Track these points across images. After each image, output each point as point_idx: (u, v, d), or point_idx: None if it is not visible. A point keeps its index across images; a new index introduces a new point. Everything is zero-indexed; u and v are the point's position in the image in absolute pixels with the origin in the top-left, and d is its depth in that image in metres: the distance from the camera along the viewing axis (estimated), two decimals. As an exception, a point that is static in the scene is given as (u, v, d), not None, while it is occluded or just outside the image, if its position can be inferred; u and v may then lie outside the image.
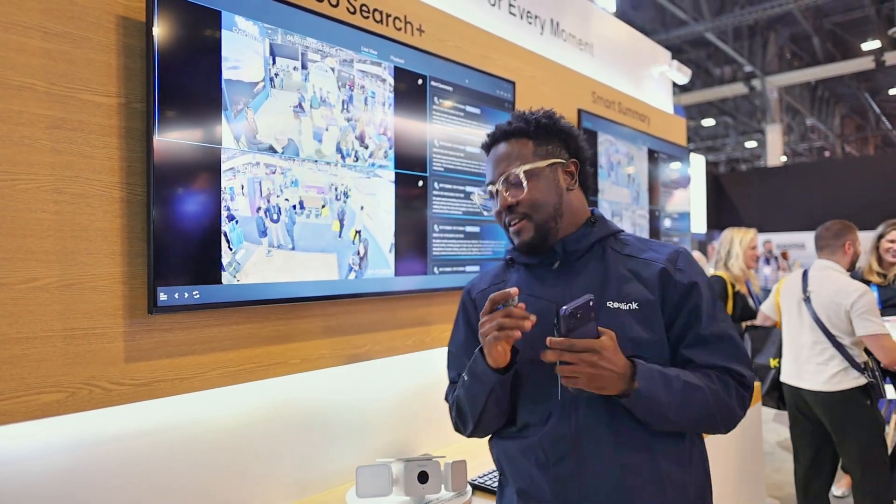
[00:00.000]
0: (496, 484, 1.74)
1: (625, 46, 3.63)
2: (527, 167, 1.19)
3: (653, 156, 3.36)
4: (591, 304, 1.01)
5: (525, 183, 1.18)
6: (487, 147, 1.28)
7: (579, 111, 2.72)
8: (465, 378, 1.22)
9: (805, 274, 2.92)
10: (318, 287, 1.65)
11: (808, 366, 2.81)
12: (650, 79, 3.87)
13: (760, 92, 15.01)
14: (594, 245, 1.22)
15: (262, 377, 1.61)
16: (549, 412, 1.16)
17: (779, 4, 11.12)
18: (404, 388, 2.06)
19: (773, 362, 3.07)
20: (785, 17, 12.87)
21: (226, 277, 1.46)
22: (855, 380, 2.71)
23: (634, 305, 1.14)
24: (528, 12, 2.77)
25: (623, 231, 1.28)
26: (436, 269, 1.98)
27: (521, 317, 1.08)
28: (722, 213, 14.39)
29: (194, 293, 1.41)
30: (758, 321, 3.28)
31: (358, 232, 1.75)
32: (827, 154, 22.23)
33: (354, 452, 1.88)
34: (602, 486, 1.11)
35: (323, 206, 1.65)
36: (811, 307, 2.80)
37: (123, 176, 1.36)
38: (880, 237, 3.44)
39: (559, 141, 1.24)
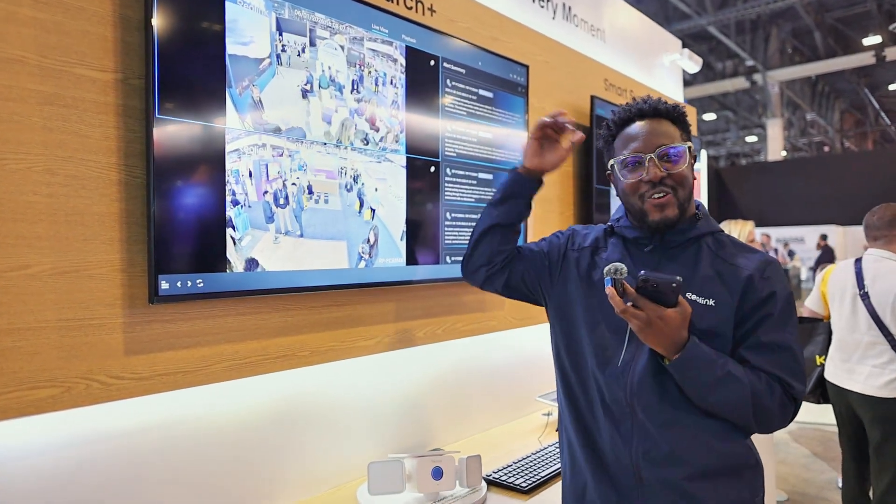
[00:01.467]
0: (512, 479, 1.68)
1: (636, 34, 3.55)
2: (689, 144, 1.27)
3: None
4: (674, 285, 1.09)
5: (685, 159, 1.25)
6: (628, 120, 1.30)
7: (592, 98, 2.64)
8: (495, 198, 1.40)
9: (858, 265, 2.67)
10: (328, 276, 1.57)
11: (862, 367, 2.59)
12: (661, 67, 3.79)
13: (761, 86, 14.96)
14: (692, 239, 1.28)
15: (269, 370, 1.53)
16: (610, 374, 1.26)
17: (781, -2, 11.05)
18: (417, 380, 1.98)
19: (818, 360, 2.85)
20: (787, 12, 12.81)
21: (231, 265, 1.38)
22: None
23: (711, 302, 1.22)
24: (540, -5, 2.69)
25: (722, 231, 1.33)
26: (448, 258, 1.90)
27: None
28: (722, 206, 14.35)
29: (198, 282, 1.33)
30: (804, 314, 3.04)
31: (373, 212, 1.67)
32: (826, 149, 22.19)
33: (366, 448, 1.80)
34: (655, 447, 1.22)
35: (331, 192, 1.57)
36: (870, 304, 2.55)
37: (121, 157, 1.28)
38: None
39: (688, 134, 1.32)
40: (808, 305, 3.03)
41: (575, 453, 1.35)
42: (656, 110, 1.28)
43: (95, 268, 1.24)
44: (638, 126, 1.27)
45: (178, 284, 1.30)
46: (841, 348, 2.70)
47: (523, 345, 2.38)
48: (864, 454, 2.75)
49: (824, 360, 2.84)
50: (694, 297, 1.23)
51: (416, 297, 1.89)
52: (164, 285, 1.27)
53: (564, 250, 1.41)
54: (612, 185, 1.36)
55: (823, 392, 2.87)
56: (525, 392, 2.39)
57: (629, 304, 1.12)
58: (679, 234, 1.27)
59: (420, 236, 1.81)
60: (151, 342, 1.32)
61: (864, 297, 2.57)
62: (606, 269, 1.11)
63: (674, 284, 1.09)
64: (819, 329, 2.90)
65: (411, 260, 1.78)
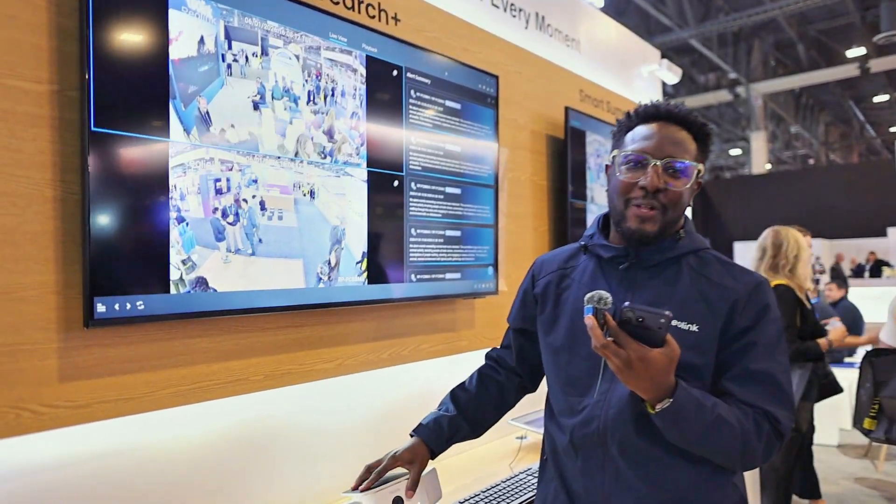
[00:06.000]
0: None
1: (613, 44, 3.52)
2: (699, 166, 1.17)
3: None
4: (662, 321, 0.97)
5: (690, 180, 1.15)
6: (652, 117, 1.19)
7: (566, 109, 2.60)
8: None
9: None
10: (283, 296, 1.50)
11: None
12: (639, 78, 3.76)
13: (745, 99, 15.06)
14: (671, 258, 1.18)
15: (219, 396, 1.46)
16: (584, 406, 1.18)
17: (763, 11, 11.13)
18: (380, 405, 1.91)
19: None
20: (769, 24, 12.91)
21: (176, 286, 1.31)
22: None
23: (694, 328, 1.12)
24: (512, 5, 2.64)
25: (709, 248, 1.22)
26: (413, 277, 1.83)
27: None
28: (707, 221, 14.38)
29: (138, 304, 1.25)
30: (881, 346, 2.77)
31: (333, 229, 1.60)
32: (811, 162, 22.38)
33: (325, 477, 1.72)
34: (627, 486, 1.13)
35: (286, 208, 1.51)
36: None
37: (57, 173, 1.21)
38: None
39: (704, 156, 1.22)
40: (883, 339, 2.78)
41: (551, 484, 1.28)
42: (685, 120, 1.17)
43: (27, 290, 1.17)
44: (657, 126, 1.16)
45: (116, 307, 1.22)
46: None
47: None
48: None
49: None
50: (675, 322, 1.10)
51: (379, 318, 1.82)
52: (100, 308, 1.20)
53: (532, 289, 1.34)
54: (607, 181, 1.27)
55: None
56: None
57: (610, 338, 0.99)
58: (657, 252, 1.17)
59: (383, 254, 1.74)
60: (90, 368, 1.25)
61: None
62: (588, 296, 0.99)
63: (662, 320, 0.96)
64: None
65: (374, 279, 1.72)
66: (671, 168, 1.13)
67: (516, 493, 1.71)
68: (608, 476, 1.14)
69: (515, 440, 2.26)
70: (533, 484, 1.76)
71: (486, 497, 1.67)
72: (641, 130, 1.18)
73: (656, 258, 1.17)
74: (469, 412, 1.39)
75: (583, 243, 1.28)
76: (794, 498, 3.46)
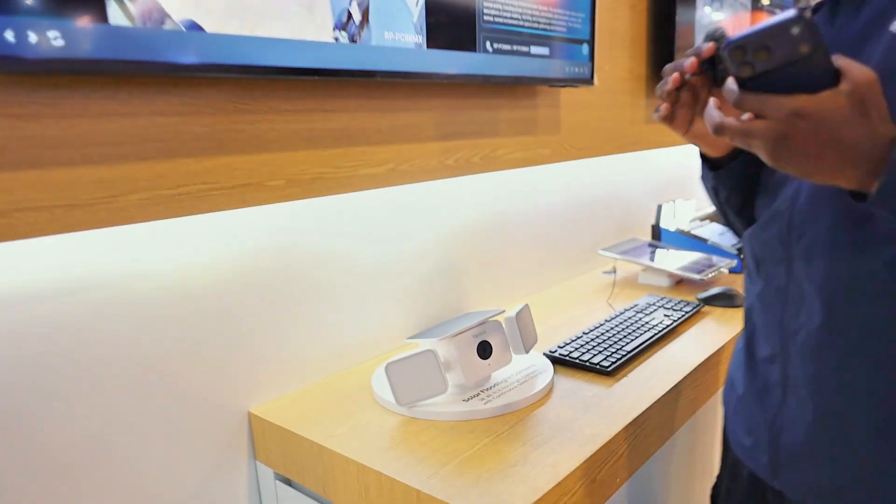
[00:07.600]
0: (586, 357, 1.18)
1: None
2: None
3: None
4: (792, 31, 0.51)
5: None
6: None
7: None
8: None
9: None
10: (302, 52, 0.96)
11: None
12: None
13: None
14: None
15: (219, 207, 0.97)
16: (771, 205, 0.78)
17: None
18: (444, 227, 1.40)
19: None
20: None
21: (120, 11, 0.76)
22: None
23: None
24: None
25: None
26: (489, 45, 1.26)
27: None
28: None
29: (52, 36, 0.72)
30: None
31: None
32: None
33: (376, 319, 1.27)
34: (810, 322, 0.72)
35: None
36: None
37: None
38: None
39: None
40: None
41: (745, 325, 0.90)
42: None
43: None
44: None
45: (11, 38, 0.69)
46: None
47: (583, 182, 1.80)
48: None
49: None
50: None
51: (442, 107, 1.28)
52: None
53: None
54: None
55: None
56: (584, 244, 1.84)
57: (737, 120, 0.58)
58: None
59: (448, 6, 1.16)
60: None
61: None
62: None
63: (795, 31, 0.51)
64: None
65: (435, 42, 1.15)
66: None
67: (628, 334, 1.27)
68: (791, 301, 0.75)
69: (603, 275, 1.81)
70: (647, 324, 1.32)
71: (591, 340, 1.23)
72: None
73: None
74: None
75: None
76: None
